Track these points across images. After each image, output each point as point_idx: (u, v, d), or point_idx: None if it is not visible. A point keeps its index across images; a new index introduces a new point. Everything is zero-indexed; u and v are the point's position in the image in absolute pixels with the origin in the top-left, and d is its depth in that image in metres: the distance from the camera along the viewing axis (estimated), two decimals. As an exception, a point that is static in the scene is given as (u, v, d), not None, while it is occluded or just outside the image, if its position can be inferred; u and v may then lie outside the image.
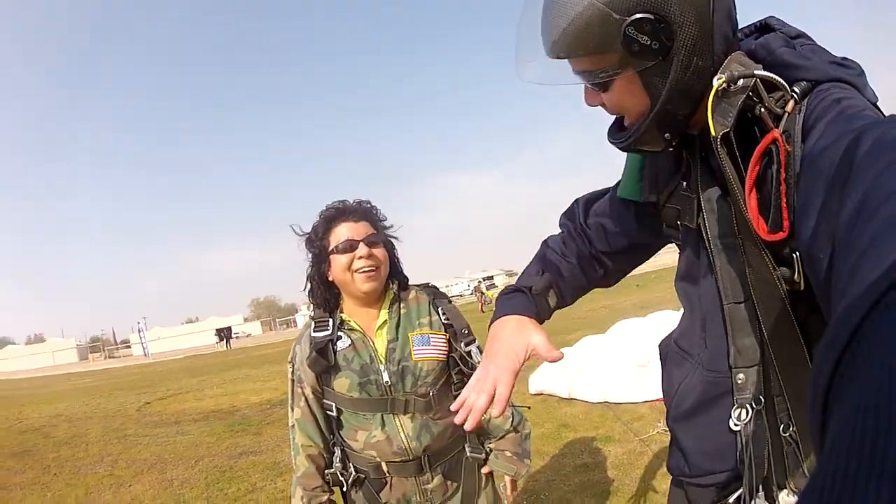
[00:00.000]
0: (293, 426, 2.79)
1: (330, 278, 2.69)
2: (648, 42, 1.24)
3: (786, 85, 1.25)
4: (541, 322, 1.79)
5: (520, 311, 1.75)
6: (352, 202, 2.75)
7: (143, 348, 68.43)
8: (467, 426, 1.58)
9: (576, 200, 2.07)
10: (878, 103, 1.24)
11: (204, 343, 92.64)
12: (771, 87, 1.27)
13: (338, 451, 2.81)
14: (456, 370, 2.74)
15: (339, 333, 2.69)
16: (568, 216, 2.06)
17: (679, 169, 1.59)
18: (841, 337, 0.46)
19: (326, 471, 2.79)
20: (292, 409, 2.79)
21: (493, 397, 1.57)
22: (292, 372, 2.78)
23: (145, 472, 8.42)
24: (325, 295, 2.74)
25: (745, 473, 1.53)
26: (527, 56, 1.45)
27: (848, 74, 1.24)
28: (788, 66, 1.27)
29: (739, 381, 1.51)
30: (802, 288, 1.29)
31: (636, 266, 2.12)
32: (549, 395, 9.07)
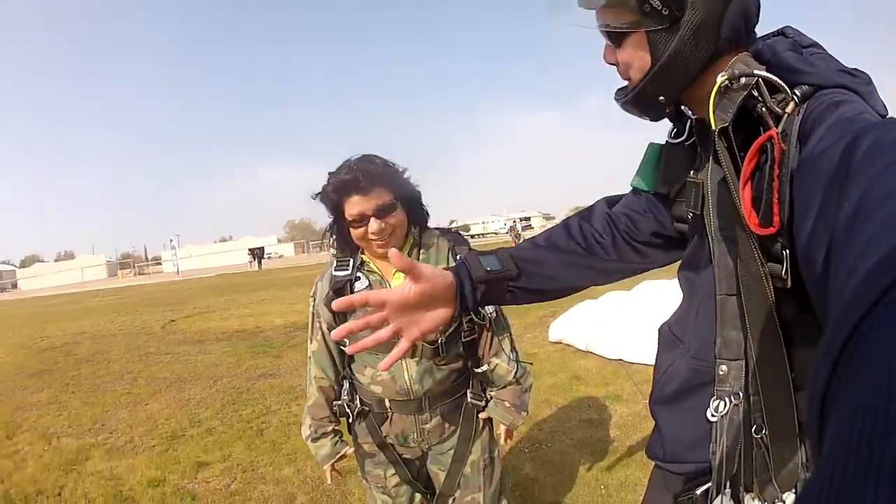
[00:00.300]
0: (310, 357, 2.89)
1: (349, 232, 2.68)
2: (660, 7, 1.32)
3: (786, 87, 1.28)
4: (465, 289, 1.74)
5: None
6: (356, 168, 2.56)
7: (175, 265, 69.07)
8: None
9: (597, 201, 2.05)
10: (886, 115, 1.23)
11: (236, 262, 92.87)
12: (774, 88, 1.30)
13: (346, 384, 2.90)
14: (467, 319, 2.77)
15: (359, 274, 2.72)
16: (584, 213, 2.01)
17: (692, 164, 1.63)
18: (839, 337, 0.46)
19: (335, 402, 2.90)
20: (310, 341, 2.89)
21: None
22: (313, 305, 2.85)
23: (163, 391, 8.59)
24: (345, 243, 2.75)
25: (714, 467, 1.55)
26: (560, 3, 1.52)
27: (853, 82, 1.25)
28: (792, 70, 1.29)
29: (721, 373, 1.53)
30: (790, 286, 1.31)
31: (644, 266, 1.99)
32: (567, 346, 9.10)
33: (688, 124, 1.63)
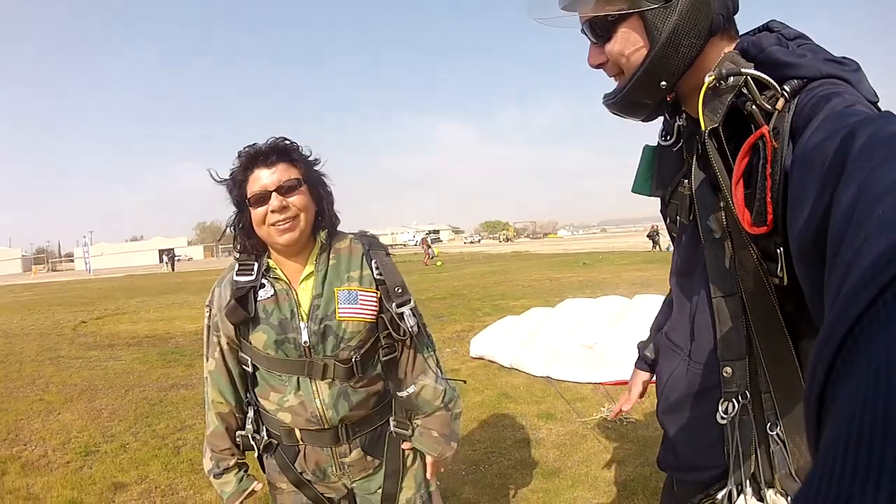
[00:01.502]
0: (206, 378, 2.58)
1: (254, 229, 2.40)
2: None
3: (775, 83, 1.28)
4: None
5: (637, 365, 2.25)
6: (264, 144, 2.39)
7: (86, 264, 68.04)
8: None
9: None
10: (878, 102, 1.23)
11: (146, 262, 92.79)
12: (762, 85, 1.30)
13: (251, 412, 2.60)
14: (385, 334, 2.48)
15: (263, 281, 2.43)
16: None
17: (682, 167, 1.64)
18: (837, 333, 0.45)
19: (239, 432, 2.59)
20: (206, 359, 2.57)
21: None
22: (209, 317, 2.54)
23: (75, 399, 8.35)
24: (248, 243, 2.46)
25: (732, 467, 1.56)
26: (541, 1, 1.53)
27: (842, 71, 1.25)
28: (779, 65, 1.30)
29: (726, 375, 1.54)
30: (786, 283, 1.33)
31: None
32: (491, 362, 9.01)
33: (676, 128, 1.64)
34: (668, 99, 1.52)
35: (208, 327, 2.55)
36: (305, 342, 2.35)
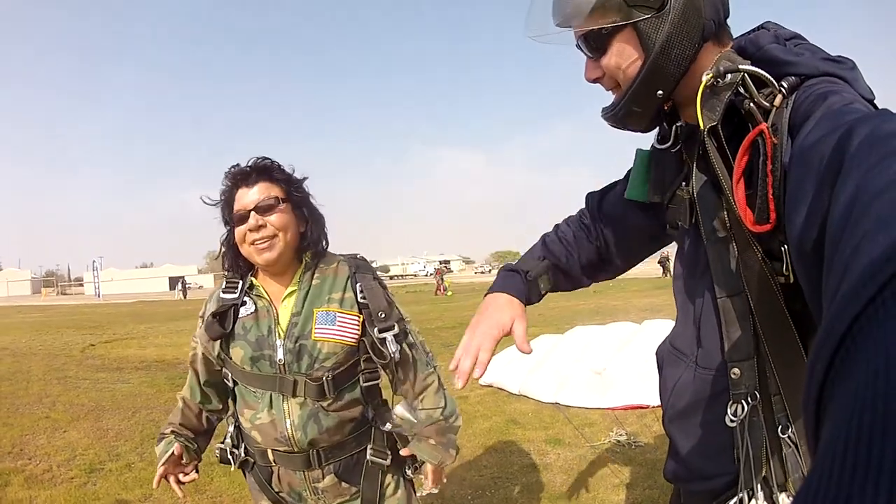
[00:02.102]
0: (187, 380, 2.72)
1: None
2: None
3: (772, 80, 1.29)
4: (528, 304, 1.92)
5: (512, 291, 1.86)
6: (247, 163, 2.45)
7: (95, 288, 68.36)
8: (458, 385, 1.73)
9: (590, 193, 2.09)
10: (874, 100, 1.25)
11: (155, 289, 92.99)
12: (760, 82, 1.32)
13: (231, 427, 2.62)
14: (365, 357, 2.47)
15: (245, 298, 2.47)
16: (584, 208, 2.09)
17: (681, 170, 1.64)
18: (836, 333, 0.45)
19: (218, 444, 2.65)
20: (189, 362, 2.69)
21: (476, 361, 1.76)
22: (201, 326, 2.57)
23: (82, 418, 8.29)
24: (235, 262, 2.53)
25: (742, 472, 1.53)
26: (537, 20, 1.55)
27: (838, 69, 1.27)
28: (777, 62, 1.32)
29: (734, 376, 1.51)
30: (792, 281, 1.33)
31: (633, 264, 2.13)
32: (499, 389, 8.97)
33: (673, 130, 1.63)
34: (666, 108, 1.52)
35: (195, 336, 2.62)
36: (280, 360, 2.37)
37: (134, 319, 28.00)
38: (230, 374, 2.51)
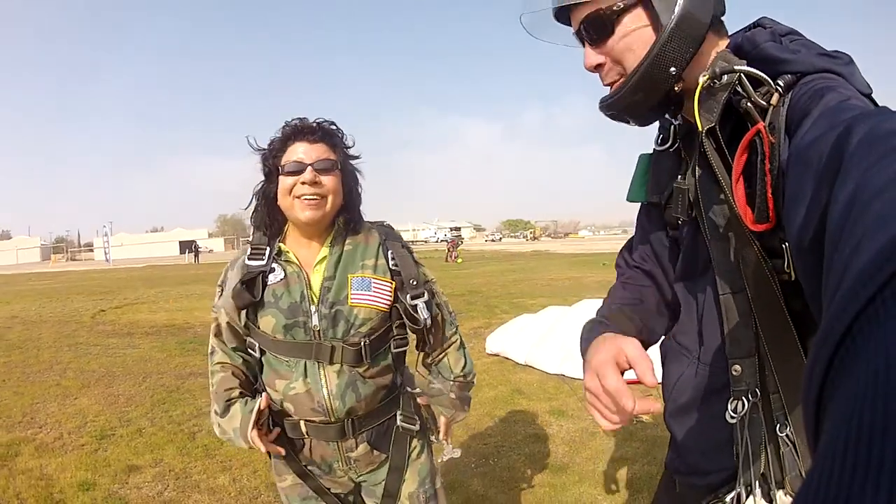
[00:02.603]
0: (212, 352, 2.57)
1: (277, 201, 2.40)
2: None
3: (769, 79, 1.29)
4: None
5: (603, 332, 1.62)
6: (312, 121, 2.43)
7: (105, 253, 68.14)
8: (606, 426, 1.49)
9: (619, 256, 2.08)
10: (871, 94, 1.25)
11: (166, 253, 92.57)
12: (757, 81, 1.31)
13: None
14: (398, 324, 2.51)
15: (274, 265, 2.41)
16: (618, 272, 2.06)
17: (679, 169, 1.63)
18: (835, 332, 0.45)
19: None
20: (211, 336, 2.57)
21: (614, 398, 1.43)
22: (219, 297, 2.53)
23: (92, 385, 8.38)
24: (268, 218, 2.45)
25: (741, 468, 1.53)
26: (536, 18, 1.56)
27: (835, 64, 1.26)
28: (773, 60, 1.31)
29: (735, 373, 1.51)
30: (793, 279, 1.33)
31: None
32: (505, 359, 9.01)
33: (672, 130, 1.63)
34: (677, 88, 1.45)
35: (215, 306, 2.55)
36: (315, 326, 2.34)
37: (144, 284, 28.07)
38: (257, 345, 2.45)
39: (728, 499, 1.57)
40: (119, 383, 8.43)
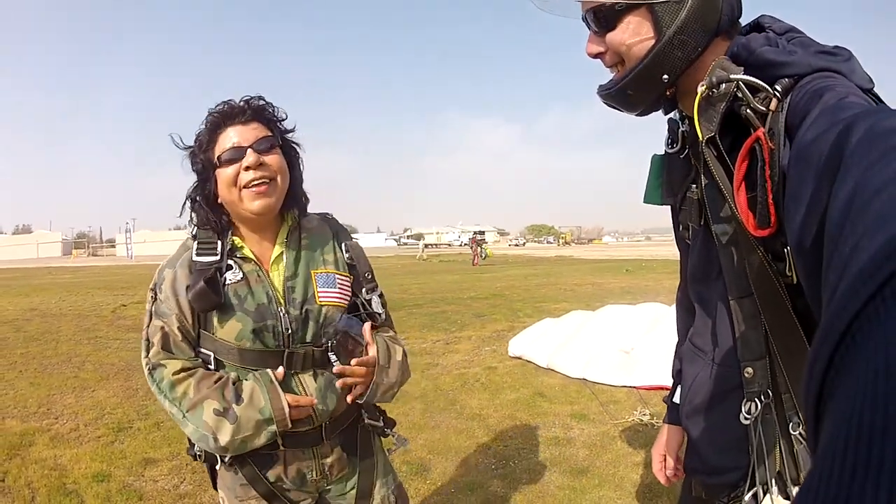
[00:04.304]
0: (157, 366, 2.14)
1: (219, 199, 2.20)
2: None
3: (766, 86, 1.30)
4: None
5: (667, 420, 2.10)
6: (240, 100, 2.20)
7: (128, 250, 68.80)
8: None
9: (677, 302, 2.13)
10: (873, 89, 1.26)
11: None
12: (755, 87, 1.32)
13: None
14: (357, 313, 2.35)
15: (230, 262, 2.18)
16: (679, 310, 2.11)
17: (690, 173, 1.66)
18: (835, 330, 0.45)
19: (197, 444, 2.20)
20: (148, 350, 2.17)
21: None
22: (153, 302, 2.20)
23: (111, 378, 8.37)
24: (210, 217, 2.20)
25: (756, 467, 1.57)
26: None
27: (833, 62, 1.27)
28: (770, 65, 1.31)
29: (747, 375, 1.56)
30: (795, 282, 1.35)
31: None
32: (528, 362, 9.01)
33: (681, 135, 1.65)
34: (668, 94, 1.53)
35: (151, 313, 2.21)
36: (286, 329, 2.16)
37: (166, 280, 28.07)
38: (212, 356, 2.19)
39: (746, 497, 1.60)
40: (138, 377, 8.31)
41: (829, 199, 0.76)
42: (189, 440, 2.25)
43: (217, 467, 2.26)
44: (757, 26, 1.47)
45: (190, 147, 2.22)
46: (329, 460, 2.30)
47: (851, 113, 0.94)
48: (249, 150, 2.10)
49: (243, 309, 2.13)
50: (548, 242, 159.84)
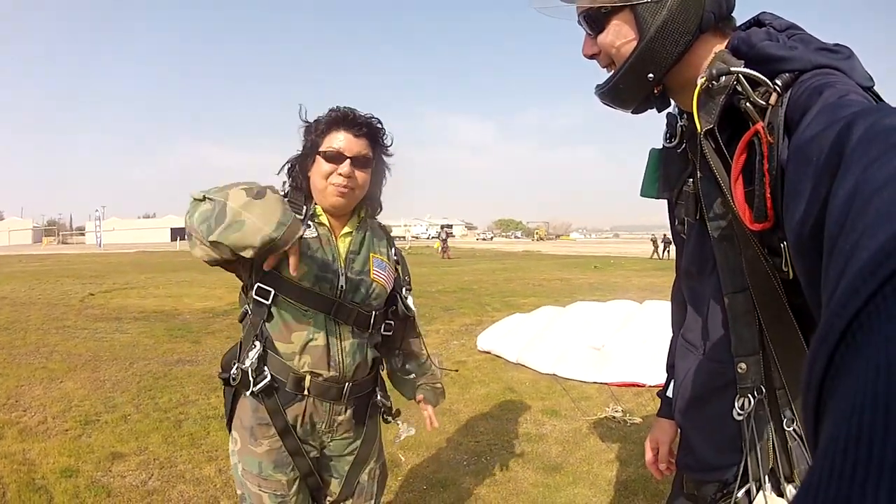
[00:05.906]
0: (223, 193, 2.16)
1: (309, 173, 2.50)
2: None
3: (766, 79, 1.30)
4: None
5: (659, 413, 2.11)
6: (363, 113, 2.51)
7: (97, 237, 68.57)
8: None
9: (672, 300, 2.15)
10: (873, 87, 1.26)
11: (158, 240, 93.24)
12: (755, 81, 1.33)
13: (258, 347, 2.41)
14: (392, 309, 2.71)
15: (309, 223, 2.48)
16: (673, 310, 2.12)
17: (687, 167, 1.68)
18: (835, 329, 0.45)
19: (238, 364, 2.42)
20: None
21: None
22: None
23: (79, 368, 8.33)
24: (301, 184, 2.54)
25: (750, 463, 1.57)
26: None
27: (834, 59, 1.27)
28: (771, 59, 1.32)
29: (741, 371, 1.56)
30: (792, 277, 1.36)
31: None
32: (497, 356, 9.06)
33: (679, 129, 1.67)
34: (656, 91, 1.55)
35: None
36: (342, 286, 2.45)
37: (135, 269, 28.31)
38: (272, 292, 2.37)
39: (739, 494, 1.60)
40: (105, 368, 8.38)
41: (828, 196, 0.76)
42: (222, 365, 2.54)
43: (244, 395, 2.48)
44: (757, 23, 1.48)
45: (308, 124, 2.52)
46: (340, 418, 2.58)
47: (852, 111, 0.94)
48: (348, 161, 2.41)
49: (311, 258, 2.40)
50: (515, 237, 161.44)
